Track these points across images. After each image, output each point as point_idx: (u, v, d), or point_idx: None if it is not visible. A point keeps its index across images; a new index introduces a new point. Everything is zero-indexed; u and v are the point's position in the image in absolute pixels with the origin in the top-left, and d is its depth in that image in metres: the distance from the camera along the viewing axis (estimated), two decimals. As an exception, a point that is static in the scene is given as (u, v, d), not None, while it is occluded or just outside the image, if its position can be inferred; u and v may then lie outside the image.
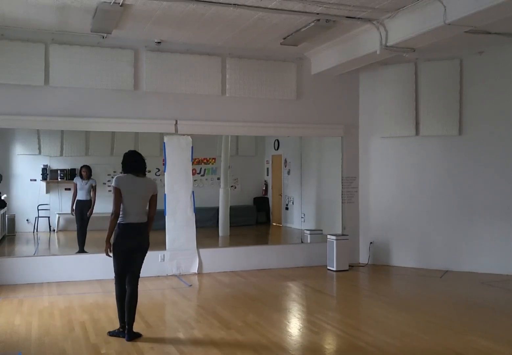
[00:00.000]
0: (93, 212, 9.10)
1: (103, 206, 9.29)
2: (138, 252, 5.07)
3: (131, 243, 5.01)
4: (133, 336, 4.95)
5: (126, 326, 4.97)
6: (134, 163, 5.09)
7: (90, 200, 9.09)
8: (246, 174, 12.97)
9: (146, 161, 5.21)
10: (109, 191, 9.25)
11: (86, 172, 9.08)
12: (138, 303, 5.28)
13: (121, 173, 5.11)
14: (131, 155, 5.16)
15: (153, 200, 5.13)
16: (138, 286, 5.10)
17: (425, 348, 4.76)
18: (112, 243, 5.00)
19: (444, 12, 5.96)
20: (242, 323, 5.51)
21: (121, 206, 4.95)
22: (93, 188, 9.14)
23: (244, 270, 8.37)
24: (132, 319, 4.99)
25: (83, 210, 9.06)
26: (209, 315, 5.83)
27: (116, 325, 5.18)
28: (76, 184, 9.11)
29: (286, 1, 6.22)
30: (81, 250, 8.73)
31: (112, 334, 5.06)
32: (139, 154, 5.19)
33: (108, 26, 7.00)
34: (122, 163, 5.13)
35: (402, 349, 4.72)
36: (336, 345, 4.99)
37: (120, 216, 4.97)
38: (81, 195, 9.08)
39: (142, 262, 5.14)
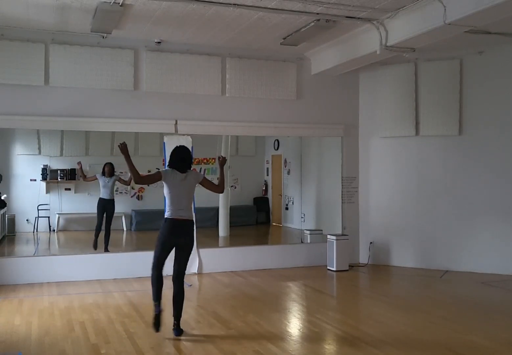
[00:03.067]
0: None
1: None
2: (182, 250, 5.12)
3: (177, 239, 5.07)
4: (180, 332, 5.06)
5: (175, 322, 5.09)
6: (180, 161, 5.13)
7: (113, 200, 9.14)
8: (246, 174, 12.95)
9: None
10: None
11: (109, 168, 9.14)
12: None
13: (168, 166, 5.18)
14: (179, 152, 5.18)
15: (206, 183, 5.28)
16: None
17: (425, 348, 4.76)
18: (159, 235, 5.09)
19: (444, 12, 5.96)
20: (242, 323, 5.51)
21: (168, 201, 5.07)
22: (120, 179, 9.24)
23: (244, 270, 8.37)
24: (179, 316, 5.11)
25: (106, 209, 9.10)
26: (209, 315, 5.83)
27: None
28: (97, 178, 9.19)
29: (286, 1, 6.22)
30: (106, 249, 8.79)
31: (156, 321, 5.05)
32: (187, 151, 5.23)
33: (108, 26, 7.00)
34: (169, 158, 5.17)
35: (402, 349, 4.71)
36: (336, 345, 4.99)
37: (167, 210, 5.08)
38: (104, 194, 9.14)
39: (187, 259, 5.19)
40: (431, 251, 8.62)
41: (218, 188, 5.37)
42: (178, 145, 5.28)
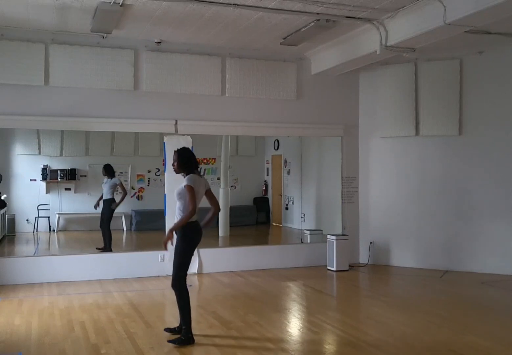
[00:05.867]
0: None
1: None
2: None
3: (199, 239, 5.05)
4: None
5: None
6: (195, 162, 5.05)
7: (108, 199, 9.19)
8: (246, 174, 12.97)
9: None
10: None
11: (105, 170, 9.31)
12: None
13: (187, 171, 4.99)
14: (191, 152, 5.08)
15: (210, 193, 5.12)
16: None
17: (425, 348, 4.76)
18: (189, 242, 4.95)
19: (444, 12, 5.96)
20: (242, 323, 5.51)
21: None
22: (120, 185, 9.31)
23: (244, 270, 8.37)
24: None
25: (103, 209, 9.21)
26: (209, 315, 5.83)
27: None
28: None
29: (286, 1, 6.22)
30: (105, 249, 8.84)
31: (179, 342, 4.81)
32: (192, 152, 5.16)
33: (108, 26, 7.00)
34: (185, 162, 5.00)
35: (402, 349, 4.72)
36: (336, 345, 4.99)
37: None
38: (103, 194, 9.26)
39: None
40: (431, 251, 8.62)
41: (217, 206, 5.18)
42: (183, 147, 5.15)
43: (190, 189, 4.83)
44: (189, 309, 4.90)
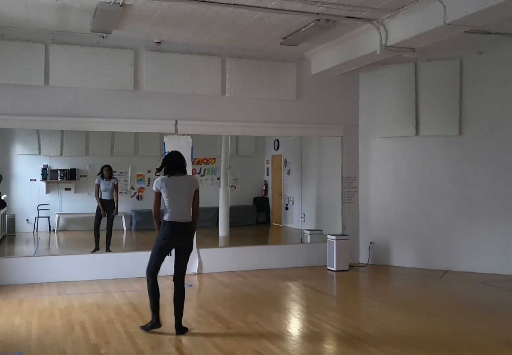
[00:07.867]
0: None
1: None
2: (183, 251, 5.20)
3: (176, 242, 5.14)
4: (182, 331, 5.13)
5: (176, 321, 5.15)
6: (171, 166, 5.17)
7: (113, 200, 9.20)
8: (246, 174, 12.97)
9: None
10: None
11: (108, 172, 9.18)
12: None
13: (158, 174, 5.24)
14: (169, 157, 5.22)
15: (195, 194, 5.22)
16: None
17: (425, 347, 4.76)
18: (159, 239, 5.13)
19: (444, 12, 5.96)
20: (242, 323, 5.52)
21: (166, 205, 5.09)
22: (115, 187, 9.26)
23: (244, 270, 8.37)
24: (181, 314, 5.19)
25: (107, 209, 9.15)
26: (209, 315, 5.83)
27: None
28: (100, 185, 9.17)
29: (286, 1, 6.22)
30: (97, 249, 8.81)
31: (147, 328, 5.17)
32: (179, 155, 5.25)
33: (108, 26, 7.00)
34: (162, 164, 5.21)
35: (402, 349, 4.72)
36: (336, 345, 4.99)
37: (165, 214, 5.12)
38: (104, 195, 9.17)
39: (187, 260, 5.29)
40: (431, 251, 8.61)
41: (196, 210, 5.28)
42: (171, 151, 5.32)
43: (154, 193, 5.13)
44: (152, 300, 5.16)
